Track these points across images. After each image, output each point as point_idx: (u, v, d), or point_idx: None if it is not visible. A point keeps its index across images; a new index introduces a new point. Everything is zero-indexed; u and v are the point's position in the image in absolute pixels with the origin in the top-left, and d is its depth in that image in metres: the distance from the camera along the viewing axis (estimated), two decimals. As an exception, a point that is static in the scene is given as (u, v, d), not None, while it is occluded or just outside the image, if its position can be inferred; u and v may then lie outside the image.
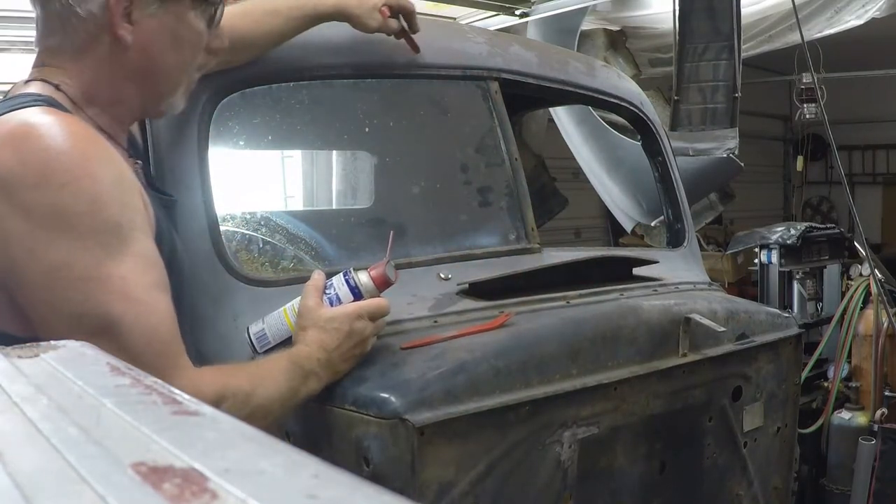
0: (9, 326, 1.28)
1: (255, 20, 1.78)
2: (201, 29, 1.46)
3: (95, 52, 1.36)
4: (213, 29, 1.49)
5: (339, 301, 1.57)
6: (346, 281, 1.58)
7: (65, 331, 1.20)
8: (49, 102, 1.31)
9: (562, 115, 4.75)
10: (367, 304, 1.57)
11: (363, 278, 1.59)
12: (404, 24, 1.95)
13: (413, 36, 1.99)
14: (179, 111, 1.53)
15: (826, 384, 4.21)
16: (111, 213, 1.24)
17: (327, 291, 1.58)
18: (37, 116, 1.25)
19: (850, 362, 4.15)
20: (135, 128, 1.63)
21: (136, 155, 1.54)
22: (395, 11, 1.91)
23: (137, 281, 1.26)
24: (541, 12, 4.94)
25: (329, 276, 1.62)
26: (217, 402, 1.32)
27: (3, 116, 1.27)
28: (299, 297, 1.58)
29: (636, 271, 2.22)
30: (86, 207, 1.22)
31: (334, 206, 3.01)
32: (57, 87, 1.36)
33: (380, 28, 1.89)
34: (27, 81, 1.39)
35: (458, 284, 1.89)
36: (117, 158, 1.30)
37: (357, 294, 1.58)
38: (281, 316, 1.59)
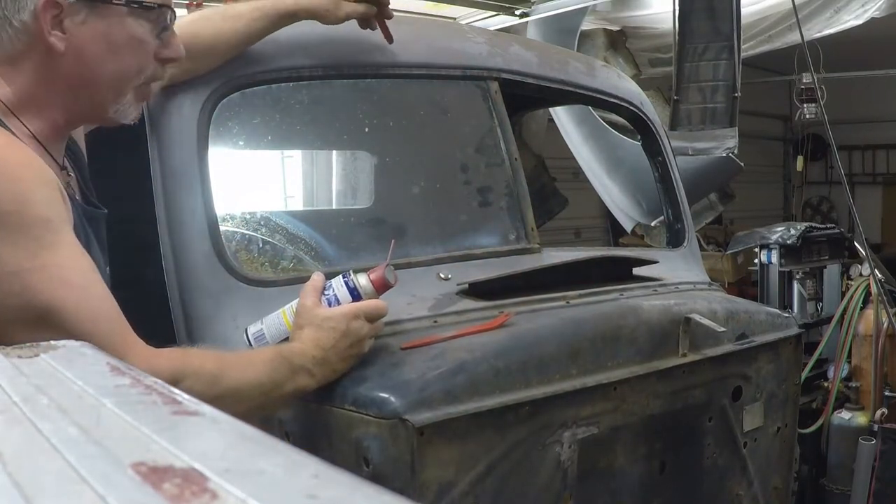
0: None
1: (216, 26, 1.76)
2: (142, 36, 1.43)
3: (30, 59, 1.37)
4: (164, 36, 1.47)
5: (338, 302, 1.57)
6: (346, 283, 1.59)
7: (10, 326, 1.23)
8: None
9: (562, 115, 4.75)
10: (365, 304, 1.57)
11: (362, 281, 1.59)
12: (372, 8, 1.87)
13: (413, 36, 1.98)
14: (132, 119, 1.50)
15: (826, 384, 4.21)
16: (39, 210, 1.26)
17: (326, 293, 1.58)
18: None
19: (850, 362, 4.15)
20: (82, 140, 1.63)
21: (75, 163, 1.55)
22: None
23: (74, 266, 1.28)
24: (541, 12, 4.95)
25: (328, 276, 1.62)
26: (174, 380, 1.30)
27: None
28: (298, 299, 1.58)
29: (636, 271, 2.22)
30: (13, 207, 1.24)
31: (334, 206, 3.01)
32: None
33: (349, 16, 1.84)
34: None
35: (457, 284, 1.89)
36: (37, 161, 1.31)
37: (356, 296, 1.58)
38: (279, 316, 1.59)
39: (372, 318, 1.57)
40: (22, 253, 1.23)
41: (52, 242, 1.26)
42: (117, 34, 1.40)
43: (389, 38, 1.96)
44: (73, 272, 1.27)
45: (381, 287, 1.60)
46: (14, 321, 1.22)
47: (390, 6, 1.91)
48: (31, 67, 1.37)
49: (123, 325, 1.33)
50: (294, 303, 1.59)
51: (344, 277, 1.60)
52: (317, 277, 1.60)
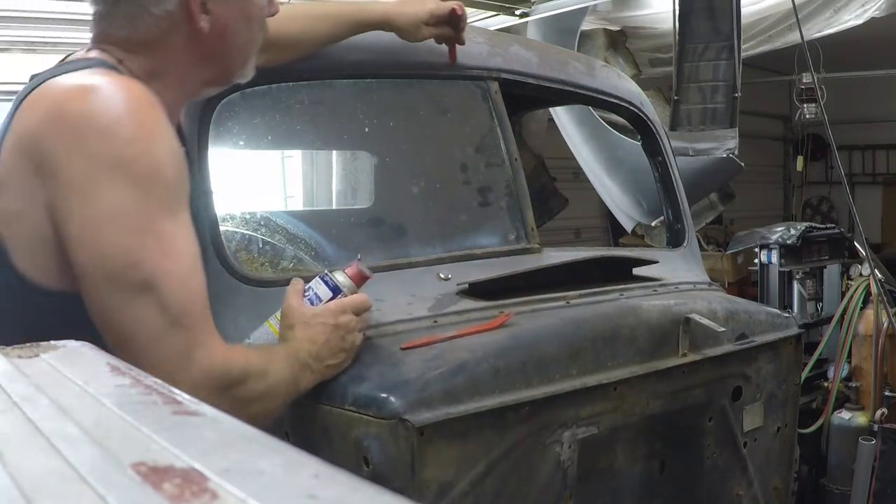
0: (45, 278, 1.30)
1: (303, 23, 1.84)
2: (262, 2, 1.54)
3: (170, 41, 1.42)
4: None
5: (319, 300, 1.58)
6: (325, 281, 1.60)
7: (104, 283, 1.23)
8: (113, 68, 1.37)
9: (562, 115, 4.75)
10: (350, 299, 1.59)
11: (340, 277, 1.60)
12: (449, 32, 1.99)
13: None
14: (250, 77, 1.59)
15: (826, 384, 4.21)
16: (170, 176, 1.29)
17: (306, 293, 1.59)
18: (105, 76, 1.31)
19: (850, 362, 4.15)
20: None
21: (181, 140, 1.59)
22: (443, 21, 1.96)
23: (186, 244, 1.29)
24: (541, 12, 4.94)
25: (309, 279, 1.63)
26: (243, 378, 1.34)
27: (70, 74, 1.32)
28: (279, 310, 1.59)
29: (636, 271, 2.22)
30: (149, 163, 1.26)
31: (334, 206, 3.01)
32: (120, 62, 1.40)
33: (426, 38, 1.96)
34: (88, 50, 1.43)
35: (457, 284, 1.89)
36: (172, 132, 1.35)
37: (336, 292, 1.59)
38: (266, 328, 1.60)
39: (358, 311, 1.58)
40: (144, 212, 1.24)
41: (173, 212, 1.28)
42: (251, 6, 1.50)
43: (454, 59, 2.06)
44: (185, 249, 1.29)
45: (359, 280, 1.62)
46: (112, 279, 1.22)
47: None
48: (169, 48, 1.42)
49: (209, 317, 1.34)
50: (275, 316, 1.59)
51: (321, 277, 1.61)
52: (296, 281, 1.62)
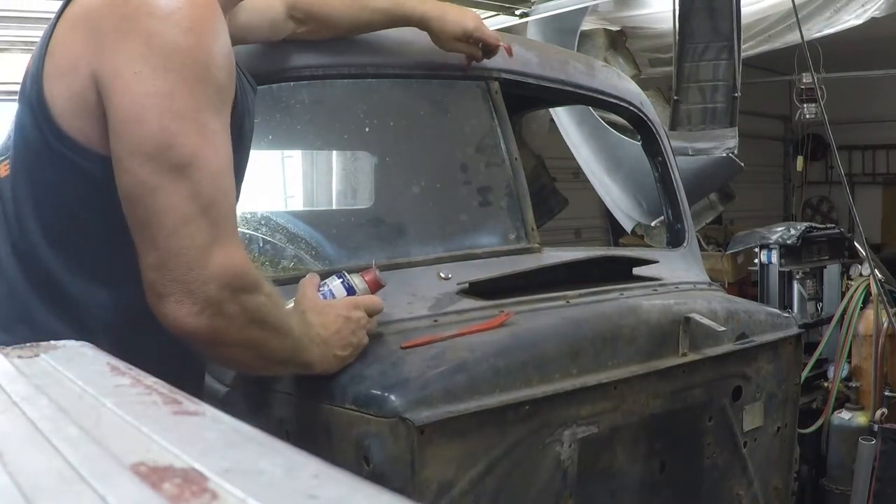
0: (85, 138, 1.32)
1: (345, 5, 1.89)
2: None
3: None
4: None
5: (333, 297, 1.60)
6: (342, 282, 1.61)
7: (140, 161, 1.25)
8: None
9: (562, 115, 4.75)
10: (365, 297, 1.60)
11: (356, 280, 1.63)
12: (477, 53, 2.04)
13: (414, 35, 2.01)
14: None
15: (826, 384, 4.21)
16: (222, 76, 1.31)
17: (321, 289, 1.60)
18: None
19: (850, 362, 4.15)
20: None
21: None
22: (476, 41, 2.00)
23: (224, 144, 1.31)
24: (541, 12, 4.94)
25: (324, 276, 1.64)
26: (256, 287, 1.34)
27: None
28: (290, 301, 1.59)
29: (636, 271, 2.22)
30: (203, 57, 1.28)
31: (334, 206, 3.01)
32: None
33: (453, 51, 2.01)
34: None
35: (458, 284, 1.89)
36: (228, 36, 1.36)
37: (351, 292, 1.61)
38: None
39: (371, 311, 1.59)
40: (191, 101, 1.26)
41: (217, 111, 1.30)
42: None
43: (467, 65, 2.10)
44: (222, 147, 1.30)
45: (374, 287, 1.64)
46: (151, 156, 1.23)
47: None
48: None
49: (235, 221, 1.35)
50: (289, 301, 1.59)
51: (339, 276, 1.63)
52: (312, 276, 1.63)
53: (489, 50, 2.04)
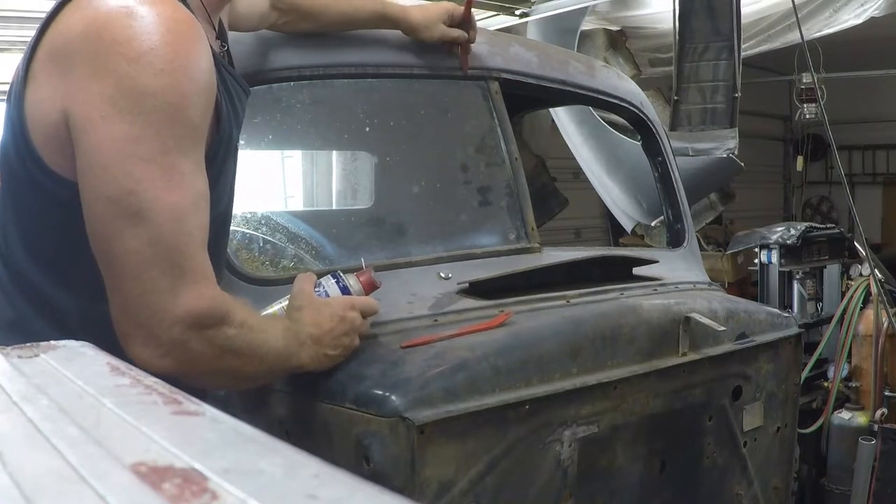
0: (60, 168, 1.32)
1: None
2: None
3: None
4: None
5: (328, 297, 1.60)
6: (336, 281, 1.61)
7: (102, 206, 1.24)
8: None
9: (562, 115, 4.75)
10: (361, 298, 1.60)
11: (351, 280, 1.62)
12: (464, 34, 2.04)
13: (407, 36, 2.02)
14: None
15: (826, 384, 4.20)
16: (194, 116, 1.29)
17: (316, 288, 1.60)
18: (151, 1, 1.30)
19: (850, 362, 4.15)
20: None
21: (221, 37, 1.62)
22: (457, 22, 2.01)
23: (192, 184, 1.29)
24: (541, 12, 4.94)
25: (319, 276, 1.64)
26: (223, 322, 1.32)
27: None
28: (285, 298, 1.59)
29: (636, 271, 2.22)
30: (174, 100, 1.26)
31: (334, 206, 3.01)
32: None
33: (441, 38, 1.99)
34: None
35: (458, 283, 1.89)
36: (209, 59, 1.34)
37: (346, 293, 1.61)
38: (268, 313, 1.60)
39: (366, 313, 1.58)
40: (157, 144, 1.24)
41: (186, 151, 1.28)
42: None
43: (465, 66, 2.10)
44: (189, 188, 1.28)
45: (369, 288, 1.64)
46: (109, 202, 1.23)
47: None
48: None
49: (204, 259, 1.32)
50: (280, 304, 1.59)
51: (334, 276, 1.63)
52: (309, 274, 1.62)
53: (467, 27, 2.05)
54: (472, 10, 2.05)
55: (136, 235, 1.23)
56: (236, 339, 1.35)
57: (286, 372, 1.51)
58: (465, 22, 2.03)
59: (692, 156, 4.00)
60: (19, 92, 1.34)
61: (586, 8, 4.92)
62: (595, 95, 2.54)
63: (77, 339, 1.31)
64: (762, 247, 4.48)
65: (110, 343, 1.34)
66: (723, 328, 1.95)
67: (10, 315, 1.41)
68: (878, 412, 3.87)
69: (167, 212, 1.25)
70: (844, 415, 4.00)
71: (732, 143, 4.02)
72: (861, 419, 3.95)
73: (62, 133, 1.28)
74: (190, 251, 1.28)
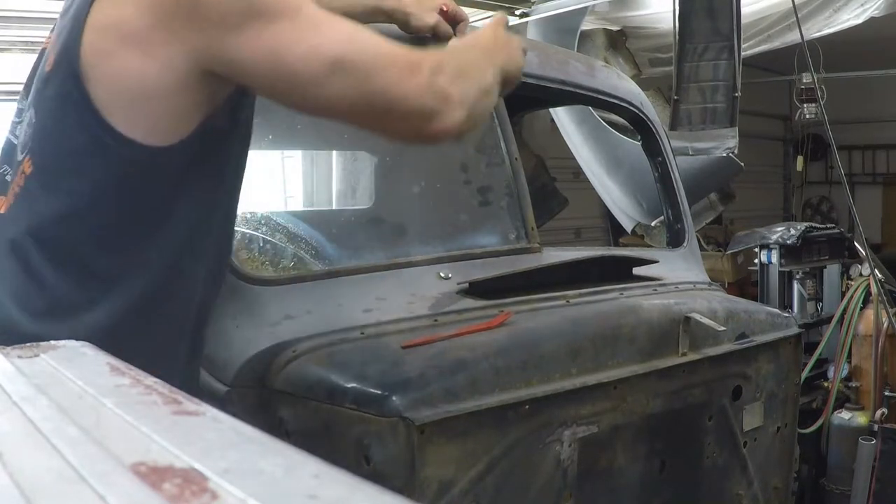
0: (135, 132, 1.33)
1: None
2: None
3: None
4: None
5: None
6: None
7: (301, 86, 1.33)
8: None
9: (562, 115, 4.75)
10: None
11: None
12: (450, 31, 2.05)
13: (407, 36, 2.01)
14: None
15: (826, 384, 4.21)
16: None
17: None
18: None
19: (850, 362, 4.15)
20: None
21: None
22: (450, 17, 2.01)
23: (336, 20, 1.37)
24: (541, 12, 4.94)
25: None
26: (440, 64, 1.40)
27: None
28: None
29: (636, 271, 2.22)
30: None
31: (334, 207, 3.01)
32: None
33: (435, 26, 1.99)
34: None
35: (458, 283, 1.89)
36: None
37: None
38: None
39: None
40: (297, 29, 1.31)
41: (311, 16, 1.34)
42: None
43: None
44: (336, 21, 1.36)
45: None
46: (302, 80, 1.31)
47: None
48: None
49: (396, 45, 1.40)
50: None
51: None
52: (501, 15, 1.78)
53: (459, 27, 2.07)
54: (470, 9, 2.05)
55: (352, 72, 1.32)
56: (449, 61, 1.43)
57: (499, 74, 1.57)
58: (457, 18, 2.03)
59: (692, 155, 4.00)
60: (75, 72, 1.32)
61: (586, 8, 4.92)
62: (595, 95, 2.54)
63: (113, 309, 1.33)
64: (762, 247, 4.49)
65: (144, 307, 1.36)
66: (723, 328, 1.96)
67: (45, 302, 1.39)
68: (878, 412, 3.88)
69: (348, 46, 1.32)
70: (844, 415, 4.00)
71: (732, 143, 4.02)
72: (861, 419, 3.95)
73: (168, 81, 1.30)
74: (385, 51, 1.36)
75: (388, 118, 1.38)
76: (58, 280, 1.38)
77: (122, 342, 1.30)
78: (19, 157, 1.42)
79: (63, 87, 1.35)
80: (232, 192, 1.56)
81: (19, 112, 1.47)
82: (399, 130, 1.43)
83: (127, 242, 1.37)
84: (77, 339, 0.96)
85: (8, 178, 1.43)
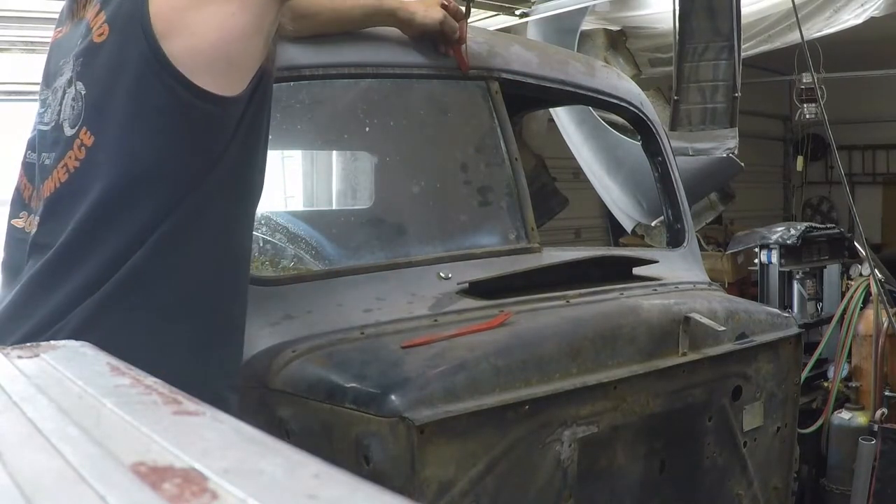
0: (210, 83, 1.36)
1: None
2: None
3: None
4: None
5: None
6: None
7: None
8: None
9: (562, 115, 4.74)
10: None
11: None
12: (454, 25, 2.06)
13: (408, 36, 2.02)
14: None
15: (826, 384, 4.21)
16: None
17: None
18: None
19: (850, 362, 4.15)
20: None
21: None
22: (452, 13, 2.03)
23: None
24: (541, 12, 4.94)
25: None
26: None
27: None
28: None
29: (636, 271, 2.22)
30: None
31: (334, 206, 3.01)
32: None
33: (443, 20, 2.00)
34: None
35: (458, 284, 1.89)
36: None
37: None
38: None
39: None
40: None
41: None
42: None
43: (465, 66, 2.11)
44: None
45: None
46: None
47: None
48: None
49: None
50: None
51: None
52: None
53: (460, 24, 2.09)
54: (471, 10, 2.06)
55: None
56: None
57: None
58: (458, 15, 2.04)
59: (692, 155, 4.00)
60: (147, 32, 1.34)
61: (586, 8, 4.91)
62: (595, 95, 2.54)
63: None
64: (762, 247, 4.49)
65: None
66: (723, 328, 1.96)
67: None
68: (878, 412, 3.88)
69: None
70: (844, 415, 4.00)
71: (732, 143, 4.02)
72: (861, 419, 3.95)
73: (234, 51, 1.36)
74: None
75: None
76: (120, 243, 1.37)
77: (190, 312, 1.34)
78: (69, 132, 1.40)
79: (126, 50, 1.36)
80: (262, 167, 1.56)
81: (44, 102, 1.46)
82: None
83: (189, 202, 1.38)
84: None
85: (48, 162, 1.42)
